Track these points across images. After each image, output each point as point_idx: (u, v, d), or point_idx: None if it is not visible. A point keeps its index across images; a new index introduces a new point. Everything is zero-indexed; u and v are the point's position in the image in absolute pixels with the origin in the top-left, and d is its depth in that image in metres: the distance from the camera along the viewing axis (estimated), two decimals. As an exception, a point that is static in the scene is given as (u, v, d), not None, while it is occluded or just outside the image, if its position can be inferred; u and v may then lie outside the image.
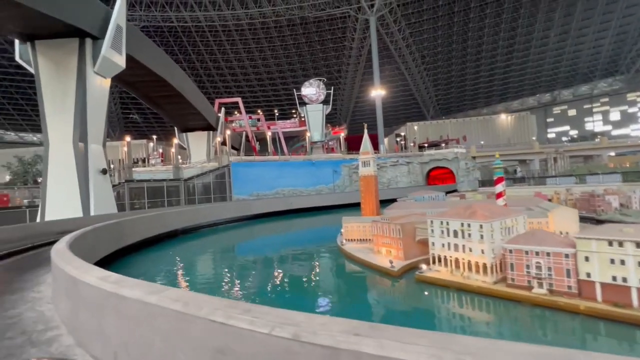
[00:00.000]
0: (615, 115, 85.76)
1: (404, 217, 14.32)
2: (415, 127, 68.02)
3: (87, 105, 18.87)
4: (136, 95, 30.34)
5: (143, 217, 13.72)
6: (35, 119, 74.31)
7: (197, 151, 37.33)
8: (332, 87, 58.11)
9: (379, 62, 77.40)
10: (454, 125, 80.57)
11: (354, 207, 28.63)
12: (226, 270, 14.53)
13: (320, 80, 54.95)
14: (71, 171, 18.40)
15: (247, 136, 51.94)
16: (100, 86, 19.69)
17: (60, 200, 18.17)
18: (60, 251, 5.09)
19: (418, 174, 37.36)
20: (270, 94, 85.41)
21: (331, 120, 74.49)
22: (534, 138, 68.69)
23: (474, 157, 39.11)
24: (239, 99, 51.26)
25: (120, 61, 20.08)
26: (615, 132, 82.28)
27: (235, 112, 54.21)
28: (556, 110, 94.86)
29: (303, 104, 54.52)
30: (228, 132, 37.13)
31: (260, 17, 61.72)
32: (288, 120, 63.45)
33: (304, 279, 12.83)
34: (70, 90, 18.63)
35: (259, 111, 64.78)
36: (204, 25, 63.84)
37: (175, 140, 31.98)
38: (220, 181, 30.45)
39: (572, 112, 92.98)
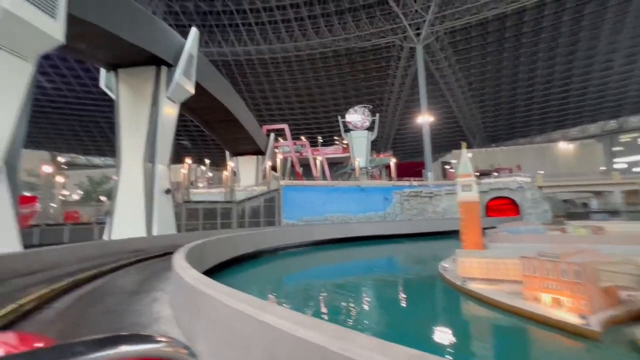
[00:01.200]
0: (701, 144, 75.48)
1: (571, 254, 11.01)
2: (454, 160, 64.83)
3: (158, 128, 19.77)
4: (195, 120, 31.91)
5: (219, 239, 13.33)
6: (102, 143, 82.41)
7: (246, 175, 37.99)
8: (377, 114, 57.81)
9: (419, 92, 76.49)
10: (505, 154, 75.84)
11: (422, 236, 26.77)
12: (332, 302, 13.20)
13: (365, 107, 55.02)
14: (139, 190, 18.99)
15: (291, 162, 52.47)
16: (170, 110, 20.70)
17: (127, 218, 18.65)
18: (178, 259, 6.35)
19: (476, 203, 34.41)
20: (312, 122, 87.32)
21: (372, 147, 73.69)
22: (603, 168, 61.77)
23: (540, 187, 35.46)
24: (285, 126, 52.57)
25: (190, 87, 21.12)
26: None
27: (279, 139, 55.54)
28: (624, 138, 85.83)
29: (347, 130, 54.51)
30: (280, 156, 37.59)
31: (308, 48, 64.53)
32: (331, 147, 63.69)
33: (436, 332, 9.78)
34: (144, 114, 19.72)
35: (302, 137, 66.02)
36: (254, 58, 68.02)
37: (231, 164, 32.81)
38: (269, 205, 30.21)
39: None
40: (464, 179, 18.30)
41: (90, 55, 18.84)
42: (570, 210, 47.21)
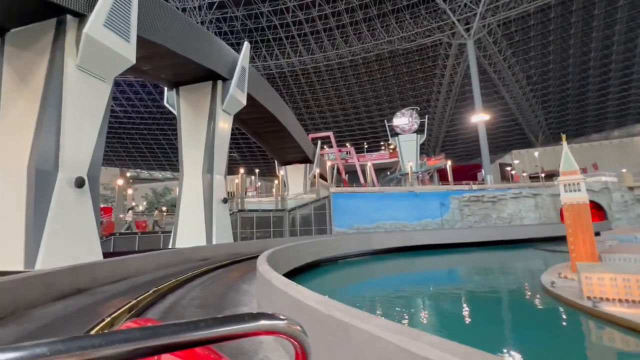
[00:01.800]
0: None
1: None
2: (517, 160, 59.05)
3: (215, 139, 20.52)
4: (245, 131, 32.96)
5: (285, 248, 13.29)
6: (162, 158, 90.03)
7: (295, 183, 38.26)
8: (426, 116, 55.20)
9: (472, 89, 71.64)
10: (576, 152, 67.04)
11: (487, 245, 24.13)
12: (421, 323, 12.16)
13: (413, 109, 52.84)
14: (199, 200, 19.75)
15: (337, 169, 51.99)
16: (225, 122, 21.44)
17: (189, 227, 19.44)
18: (261, 261, 7.29)
19: (549, 208, 30.49)
20: (356, 128, 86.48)
21: (420, 151, 70.57)
22: None
23: (630, 188, 30.35)
24: (330, 133, 52.43)
25: (243, 99, 21.73)
26: None
27: (324, 147, 55.53)
28: None
29: (394, 134, 52.71)
30: (329, 163, 37.34)
31: (350, 55, 64.28)
32: (377, 153, 62.15)
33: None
34: (203, 127, 20.63)
35: (347, 144, 65.42)
36: (297, 69, 69.54)
37: (281, 172, 33.31)
38: (320, 212, 29.81)
39: None
40: (568, 177, 15.47)
41: (155, 75, 20.30)
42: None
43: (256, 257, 15.87)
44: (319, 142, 43.35)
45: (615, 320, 10.01)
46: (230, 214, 23.26)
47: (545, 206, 30.44)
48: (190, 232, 19.37)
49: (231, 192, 29.36)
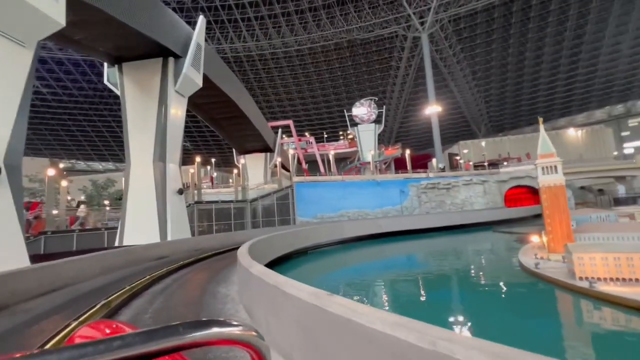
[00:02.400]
0: None
1: None
2: (465, 149, 63.75)
3: (167, 124, 18.45)
4: (200, 117, 30.56)
5: (259, 240, 12.29)
6: (102, 147, 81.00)
7: (255, 173, 36.67)
8: (384, 107, 56.49)
9: (425, 82, 75.04)
10: (513, 143, 74.48)
11: (447, 230, 25.01)
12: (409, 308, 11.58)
13: (371, 99, 53.64)
14: (150, 191, 17.70)
15: (297, 158, 51.12)
16: (179, 105, 19.37)
17: (139, 223, 17.38)
18: (242, 253, 6.92)
19: (496, 194, 33.19)
20: (314, 118, 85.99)
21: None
22: (615, 153, 60.53)
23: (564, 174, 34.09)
24: (290, 122, 51.21)
25: (199, 79, 19.77)
26: None
27: (284, 136, 54.23)
28: (632, 122, 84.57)
29: (354, 124, 53.16)
30: (291, 151, 36.26)
31: (309, 42, 63.00)
32: (336, 142, 62.44)
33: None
34: (152, 110, 18.38)
35: (306, 134, 64.71)
36: (254, 54, 66.49)
37: (242, 161, 31.50)
38: (283, 202, 28.93)
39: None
40: (545, 160, 15.88)
41: (90, 47, 17.44)
42: (587, 197, 45.88)
43: (223, 252, 14.62)
44: (280, 130, 41.99)
45: (615, 300, 9.94)
46: (186, 207, 21.39)
47: (492, 192, 33.07)
48: (140, 228, 17.33)
49: (185, 184, 27.12)
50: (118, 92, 18.97)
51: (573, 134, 71.31)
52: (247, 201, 26.82)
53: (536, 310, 10.91)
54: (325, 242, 18.95)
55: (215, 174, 49.32)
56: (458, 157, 55.85)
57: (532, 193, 37.23)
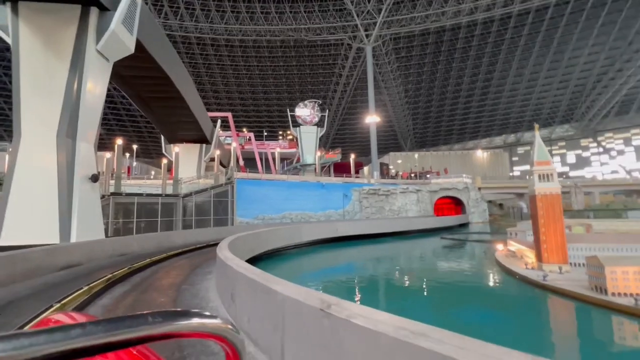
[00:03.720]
0: (571, 158, 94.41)
1: None
2: (399, 160, 68.83)
3: (82, 91, 14.36)
4: (126, 93, 25.57)
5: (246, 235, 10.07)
6: (-28, 120, 63.19)
7: (187, 165, 32.37)
8: (327, 111, 56.81)
9: (364, 92, 78.57)
10: (434, 158, 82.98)
11: (395, 235, 24.96)
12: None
13: (315, 102, 53.35)
14: (50, 176, 13.42)
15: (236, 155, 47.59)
16: (100, 69, 15.33)
17: (27, 217, 12.97)
18: (222, 247, 6.96)
19: (427, 202, 35.76)
20: (252, 115, 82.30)
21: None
22: (511, 174, 72.24)
23: (479, 188, 38.82)
24: (229, 115, 47.45)
25: (130, 43, 16.00)
26: (572, 173, 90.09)
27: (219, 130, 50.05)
28: (520, 150, 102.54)
29: (296, 125, 52.05)
30: (234, 144, 32.91)
31: (254, 34, 59.89)
32: (276, 141, 60.47)
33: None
34: (61, 71, 14.11)
35: (244, 130, 61.14)
36: (192, 37, 60.29)
37: (176, 149, 27.12)
38: (220, 200, 25.89)
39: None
40: (542, 167, 15.27)
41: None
42: (494, 210, 53.13)
43: (163, 259, 11.49)
44: (219, 121, 38.22)
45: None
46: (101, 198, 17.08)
47: (424, 201, 35.58)
48: (29, 224, 12.98)
49: (100, 171, 22.18)
50: (8, 40, 14.10)
51: (479, 154, 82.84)
52: (179, 196, 23.08)
53: (585, 335, 9.69)
54: (283, 246, 17.16)
55: (135, 164, 42.42)
56: (392, 168, 59.30)
57: (455, 204, 41.44)
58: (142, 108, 26.98)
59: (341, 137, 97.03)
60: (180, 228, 22.52)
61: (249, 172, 36.57)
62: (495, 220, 39.32)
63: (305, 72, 73.41)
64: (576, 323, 10.69)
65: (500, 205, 55.83)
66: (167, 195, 22.47)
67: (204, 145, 34.33)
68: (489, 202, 52.32)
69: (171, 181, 26.96)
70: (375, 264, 18.75)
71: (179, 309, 0.49)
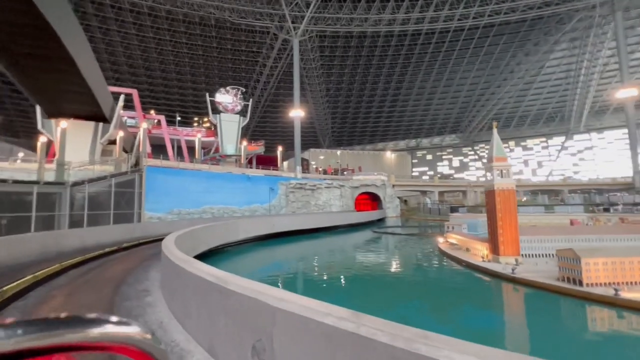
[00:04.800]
0: (456, 163, 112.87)
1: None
2: (322, 156, 70.92)
3: None
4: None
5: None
6: None
7: (75, 148, 26.05)
8: (251, 100, 54.04)
9: (288, 85, 77.85)
10: (350, 156, 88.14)
11: (327, 230, 24.39)
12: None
13: (238, 89, 50.15)
14: None
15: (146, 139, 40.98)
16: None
17: None
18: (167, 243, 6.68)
19: (349, 198, 37.33)
20: (161, 96, 72.75)
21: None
22: (416, 173, 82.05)
23: (393, 186, 42.50)
24: (134, 91, 40.48)
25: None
26: (456, 175, 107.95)
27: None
28: (418, 154, 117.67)
29: (216, 112, 47.99)
30: (145, 125, 27.60)
31: (168, 2, 52.56)
32: (192, 128, 54.74)
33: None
34: None
35: (152, 111, 53.39)
36: (83, -9, 49.33)
37: (63, 124, 21.02)
38: (124, 191, 21.62)
39: (429, 157, 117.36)
40: (500, 163, 15.83)
41: None
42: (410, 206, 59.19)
43: (57, 273, 8.07)
44: (122, 96, 31.90)
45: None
46: None
47: (347, 196, 37.10)
48: None
49: None
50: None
51: (388, 155, 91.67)
52: (65, 184, 18.15)
53: (574, 325, 9.92)
54: (222, 244, 14.89)
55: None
56: (313, 163, 60.19)
57: (371, 200, 44.52)
58: (11, 69, 20.35)
59: (261, 129, 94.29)
60: (67, 225, 17.84)
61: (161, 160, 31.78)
62: (404, 214, 43.83)
63: (226, 57, 68.33)
64: (562, 315, 10.96)
65: (405, 201, 62.64)
66: (47, 183, 17.43)
67: (101, 124, 28.22)
68: (399, 198, 58.01)
69: (52, 165, 21.26)
70: (325, 261, 18.13)
71: (77, 315, 0.37)
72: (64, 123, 21.39)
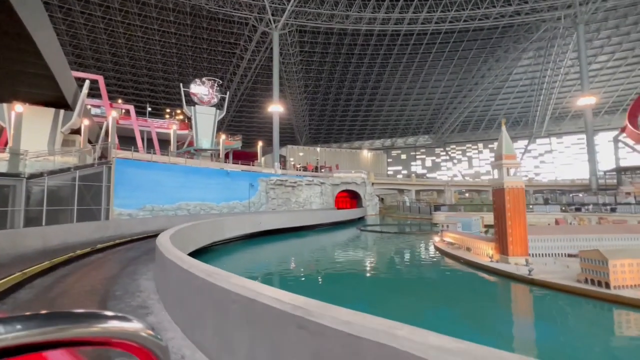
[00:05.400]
0: (429, 163, 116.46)
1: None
2: (301, 152, 70.11)
3: None
4: None
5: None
6: None
7: (32, 137, 23.41)
8: (228, 93, 52.06)
9: (265, 79, 76.05)
10: (327, 154, 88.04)
11: (313, 228, 23.02)
12: None
13: (214, 80, 48.08)
14: None
15: (106, 130, 38.08)
16: None
17: None
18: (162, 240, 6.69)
19: (329, 195, 36.95)
20: (129, 85, 68.42)
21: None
22: (390, 172, 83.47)
23: (372, 184, 42.69)
24: (100, 77, 37.40)
25: None
26: (429, 175, 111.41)
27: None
28: (393, 153, 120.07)
29: (190, 104, 45.68)
30: (114, 113, 25.25)
31: (139, -14, 49.21)
32: (163, 120, 51.84)
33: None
34: None
35: (119, 100, 49.89)
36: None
37: (19, 109, 18.51)
38: (89, 185, 19.70)
39: (403, 156, 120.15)
40: (510, 161, 15.28)
41: None
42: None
43: (17, 286, 6.60)
44: (87, 82, 29.10)
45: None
46: None
47: (327, 194, 36.71)
48: None
49: None
50: None
51: (365, 154, 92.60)
52: (21, 176, 16.05)
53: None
54: (208, 244, 13.67)
55: None
56: (292, 160, 59.23)
57: (350, 197, 44.50)
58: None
59: (237, 124, 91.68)
60: (21, 223, 15.85)
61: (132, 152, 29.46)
62: (382, 212, 44.22)
63: (201, 47, 65.36)
64: (604, 323, 10.33)
65: (382, 199, 63.48)
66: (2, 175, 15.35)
67: (62, 111, 25.63)
68: (377, 196, 58.52)
69: (4, 155, 18.90)
70: (322, 261, 16.99)
71: (81, 310, 0.39)
72: (19, 107, 19.04)
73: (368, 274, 15.87)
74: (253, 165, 35.20)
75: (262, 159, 69.89)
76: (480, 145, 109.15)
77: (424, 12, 57.86)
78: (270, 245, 19.49)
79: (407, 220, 38.37)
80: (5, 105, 23.93)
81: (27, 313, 0.35)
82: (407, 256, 19.36)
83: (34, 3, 18.80)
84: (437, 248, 18.81)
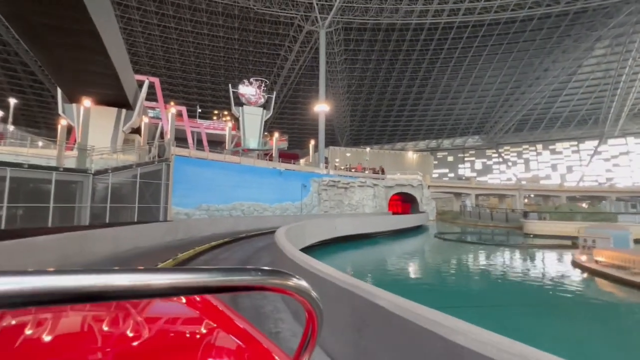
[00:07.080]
0: (478, 165, 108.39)
1: None
2: (348, 153, 68.23)
3: None
4: (12, 25, 16.87)
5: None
6: None
7: (96, 135, 24.05)
8: (274, 93, 51.75)
9: (308, 80, 75.28)
10: (371, 155, 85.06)
11: (383, 235, 20.42)
12: None
13: (262, 80, 47.84)
14: None
15: (162, 131, 39.21)
16: None
17: None
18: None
19: (383, 198, 34.48)
20: (179, 87, 71.37)
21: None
22: (436, 175, 78.50)
23: (429, 186, 39.52)
24: (156, 80, 38.57)
25: None
26: (478, 178, 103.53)
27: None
28: (439, 155, 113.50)
29: (238, 104, 45.78)
30: (173, 110, 25.40)
31: (192, -9, 50.73)
32: (212, 121, 52.91)
33: None
34: None
35: (171, 103, 51.66)
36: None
37: (87, 104, 18.94)
38: (149, 182, 19.35)
39: (450, 158, 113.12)
40: None
41: None
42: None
43: None
44: (147, 82, 29.79)
45: None
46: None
47: (380, 196, 34.26)
48: None
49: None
50: None
51: (410, 155, 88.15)
52: (87, 172, 15.95)
53: None
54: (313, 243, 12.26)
55: (11, 128, 30.76)
56: (337, 161, 57.50)
57: (403, 201, 41.50)
58: (30, 44, 18.35)
59: (279, 124, 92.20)
60: (87, 219, 15.62)
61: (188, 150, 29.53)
62: (438, 218, 40.63)
63: (247, 49, 66.29)
64: None
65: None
66: (67, 170, 15.21)
67: (123, 111, 26.22)
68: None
69: (73, 152, 19.16)
70: (441, 275, 14.07)
71: (276, 269, 0.56)
72: (87, 102, 19.21)
73: (507, 295, 12.06)
74: (307, 165, 33.92)
75: (302, 160, 69.08)
76: (539, 146, 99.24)
77: (482, 1, 53.15)
78: (351, 253, 17.45)
79: (477, 227, 34.37)
80: (74, 105, 24.90)
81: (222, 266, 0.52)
82: (548, 277, 14.63)
83: (109, 10, 18.94)
84: (590, 269, 14.20)
